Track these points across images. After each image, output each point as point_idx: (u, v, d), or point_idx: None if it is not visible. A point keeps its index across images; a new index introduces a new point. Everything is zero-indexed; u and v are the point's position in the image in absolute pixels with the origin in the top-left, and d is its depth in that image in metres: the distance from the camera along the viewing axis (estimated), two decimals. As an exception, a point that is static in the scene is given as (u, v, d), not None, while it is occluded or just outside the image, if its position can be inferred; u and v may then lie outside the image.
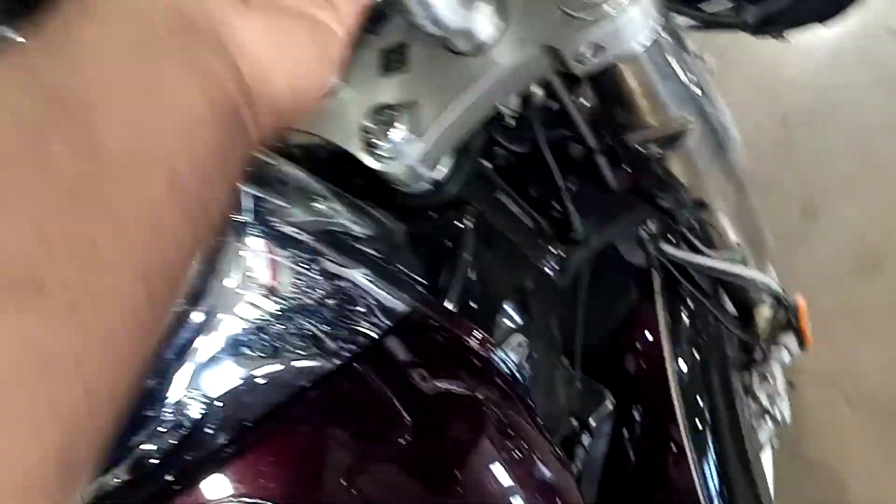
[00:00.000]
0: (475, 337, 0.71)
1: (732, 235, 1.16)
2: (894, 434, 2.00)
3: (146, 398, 0.51)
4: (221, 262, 0.53)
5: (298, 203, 0.63)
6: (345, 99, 0.72)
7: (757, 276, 1.18)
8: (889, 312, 2.07)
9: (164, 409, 0.52)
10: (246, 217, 0.55)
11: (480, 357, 0.70)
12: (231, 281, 0.53)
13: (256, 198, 0.58)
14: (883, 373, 2.03)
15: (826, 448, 2.00)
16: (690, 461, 1.17)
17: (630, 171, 0.98)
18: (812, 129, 2.25)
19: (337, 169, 0.82)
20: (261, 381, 0.57)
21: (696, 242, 1.12)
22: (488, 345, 0.71)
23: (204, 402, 0.54)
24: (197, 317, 0.52)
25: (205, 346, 0.53)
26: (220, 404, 0.54)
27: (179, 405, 0.52)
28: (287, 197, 0.62)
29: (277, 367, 0.57)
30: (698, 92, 0.88)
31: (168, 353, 0.51)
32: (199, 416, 0.53)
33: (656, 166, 0.96)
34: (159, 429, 0.52)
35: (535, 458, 0.64)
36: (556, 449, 0.69)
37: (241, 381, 0.55)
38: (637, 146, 0.91)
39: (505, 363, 0.73)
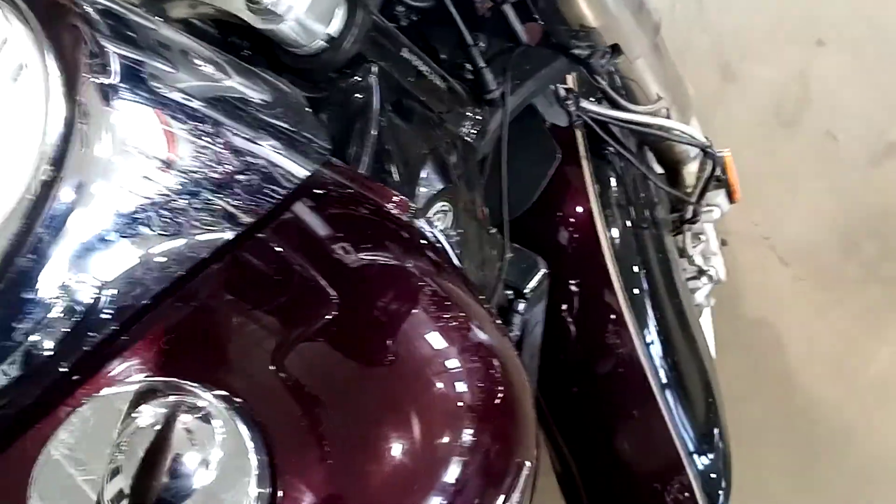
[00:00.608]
0: (394, 202, 0.67)
1: (653, 86, 1.14)
2: (826, 288, 2.04)
3: (22, 277, 0.46)
4: (87, 129, 0.48)
5: (184, 67, 0.57)
6: None
7: (682, 128, 1.16)
8: (813, 167, 2.10)
9: (48, 294, 0.47)
10: (112, 79, 0.50)
11: (402, 222, 0.66)
12: (101, 148, 0.48)
13: (132, 60, 0.52)
14: (812, 228, 2.06)
15: (763, 307, 2.04)
16: (631, 328, 1.17)
17: (540, 20, 0.95)
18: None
19: (224, 43, 0.76)
20: (158, 258, 0.52)
21: (617, 97, 1.09)
22: (410, 211, 0.68)
23: (94, 285, 0.49)
24: (66, 191, 0.47)
25: (86, 222, 0.48)
26: (114, 286, 0.50)
27: (66, 290, 0.48)
28: (170, 61, 0.57)
29: (176, 241, 0.53)
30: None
31: (38, 227, 0.46)
32: (91, 301, 0.49)
33: (567, 12, 0.92)
34: (47, 317, 0.48)
35: (468, 322, 0.61)
36: (491, 313, 0.66)
37: (136, 260, 0.51)
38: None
39: (430, 229, 0.70)
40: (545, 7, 0.91)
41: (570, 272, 1.17)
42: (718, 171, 1.26)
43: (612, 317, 1.17)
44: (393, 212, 0.66)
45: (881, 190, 2.05)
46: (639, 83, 1.14)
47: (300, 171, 0.61)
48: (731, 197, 1.33)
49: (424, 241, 0.66)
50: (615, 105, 1.12)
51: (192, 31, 0.74)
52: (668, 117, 1.18)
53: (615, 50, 0.96)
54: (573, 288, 1.18)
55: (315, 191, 0.62)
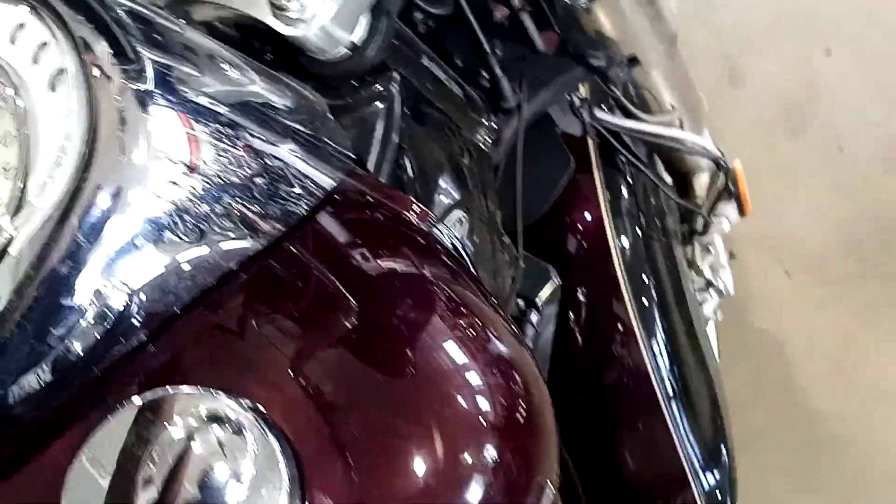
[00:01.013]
0: (414, 211, 0.68)
1: (667, 96, 1.15)
2: (826, 284, 2.04)
3: (60, 283, 0.47)
4: (125, 136, 0.49)
5: (210, 71, 0.58)
6: None
7: (695, 139, 1.18)
8: (813, 162, 2.10)
9: (82, 300, 0.48)
10: (148, 85, 0.51)
11: (422, 232, 0.67)
12: (138, 155, 0.49)
13: (163, 65, 0.53)
14: (816, 234, 2.07)
15: (766, 313, 2.05)
16: (639, 339, 1.18)
17: (557, 30, 0.96)
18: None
19: (245, 46, 0.77)
20: (186, 266, 0.53)
21: (631, 107, 1.11)
22: (431, 220, 0.69)
23: (126, 292, 0.50)
24: (103, 198, 0.48)
25: (120, 229, 0.49)
26: (144, 293, 0.51)
27: (100, 296, 0.49)
28: (197, 65, 0.58)
29: (204, 250, 0.54)
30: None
31: (76, 233, 0.47)
32: (122, 308, 0.50)
33: (585, 21, 0.93)
34: (80, 322, 0.49)
35: (489, 334, 0.62)
36: (511, 324, 0.67)
37: (165, 268, 0.52)
38: (564, -2, 0.88)
39: (451, 239, 0.71)
40: (563, 16, 0.93)
41: (578, 280, 1.18)
42: (729, 184, 1.28)
43: (620, 326, 1.18)
44: (415, 221, 0.67)
45: (881, 186, 2.06)
46: (652, 92, 1.15)
47: (326, 180, 0.62)
48: (741, 209, 1.34)
49: (446, 252, 0.67)
50: (628, 114, 1.13)
51: (214, 34, 0.75)
52: (681, 127, 1.19)
53: (633, 61, 0.97)
54: (581, 296, 1.18)
55: (340, 200, 0.63)
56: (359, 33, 0.72)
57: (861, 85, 2.11)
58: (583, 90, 1.10)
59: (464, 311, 0.62)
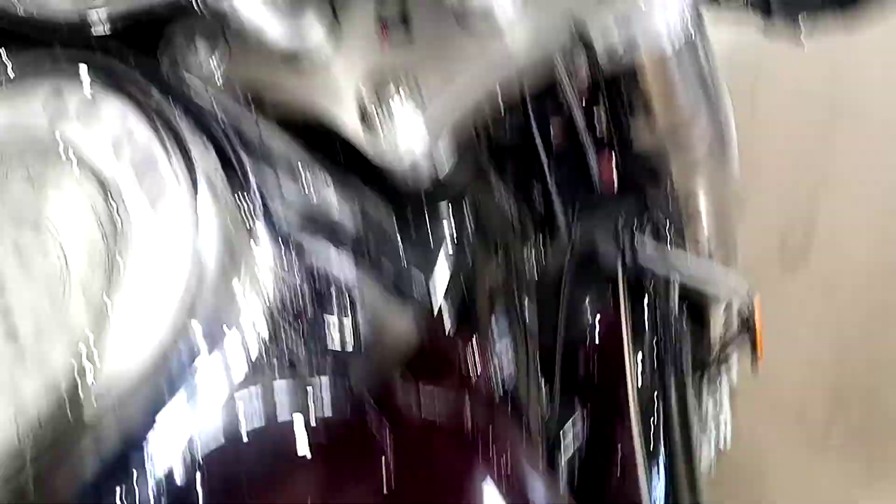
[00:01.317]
0: (476, 356, 0.65)
1: (704, 223, 1.14)
2: (812, 443, 2.05)
3: (137, 438, 0.42)
4: (231, 266, 0.44)
5: (286, 176, 0.55)
6: (338, 67, 0.65)
7: (726, 280, 1.17)
8: (811, 314, 2.11)
9: (153, 462, 0.43)
10: (254, 207, 0.47)
11: (483, 387, 0.65)
12: (240, 290, 0.45)
13: (262, 182, 0.49)
14: (804, 380, 2.07)
15: (747, 463, 2.03)
16: (639, 469, 1.15)
17: (616, 156, 0.95)
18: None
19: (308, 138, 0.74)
20: (252, 425, 0.48)
21: (668, 233, 1.09)
22: (489, 364, 0.66)
23: (190, 464, 0.45)
24: (202, 341, 0.43)
25: (209, 380, 0.44)
26: (204, 466, 0.46)
27: (168, 463, 0.43)
28: (279, 175, 0.54)
29: (271, 405, 0.49)
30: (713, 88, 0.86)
31: (162, 379, 0.42)
32: (183, 484, 0.45)
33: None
34: (146, 488, 0.43)
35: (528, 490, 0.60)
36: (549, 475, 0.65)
37: (224, 440, 0.47)
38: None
39: (503, 383, 0.68)
40: (628, 148, 0.91)
41: (585, 399, 1.15)
42: (749, 327, 1.26)
43: (622, 453, 1.15)
44: (477, 372, 0.64)
45: (878, 347, 2.07)
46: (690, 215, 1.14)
47: (397, 328, 0.59)
48: (754, 353, 1.32)
49: (502, 408, 0.65)
50: (664, 240, 1.12)
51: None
52: (710, 256, 1.18)
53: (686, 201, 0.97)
54: (585, 416, 1.15)
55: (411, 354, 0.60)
56: (439, 154, 0.69)
57: (857, 223, 2.14)
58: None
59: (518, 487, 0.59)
